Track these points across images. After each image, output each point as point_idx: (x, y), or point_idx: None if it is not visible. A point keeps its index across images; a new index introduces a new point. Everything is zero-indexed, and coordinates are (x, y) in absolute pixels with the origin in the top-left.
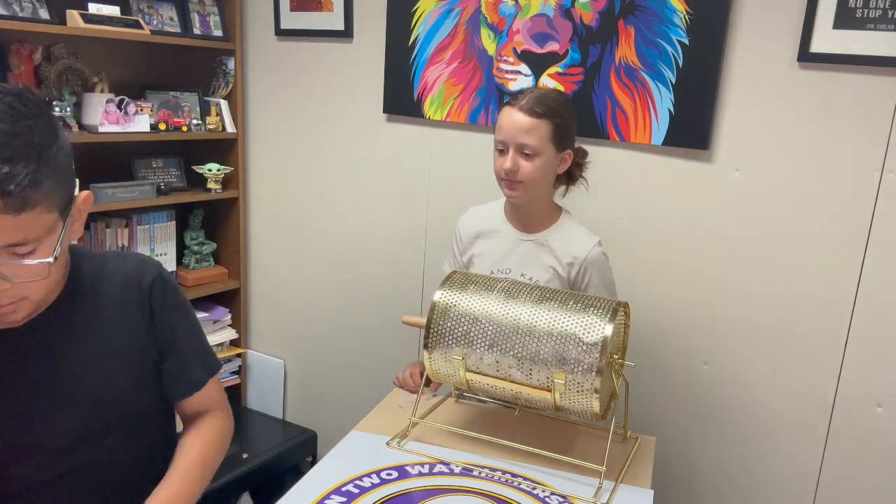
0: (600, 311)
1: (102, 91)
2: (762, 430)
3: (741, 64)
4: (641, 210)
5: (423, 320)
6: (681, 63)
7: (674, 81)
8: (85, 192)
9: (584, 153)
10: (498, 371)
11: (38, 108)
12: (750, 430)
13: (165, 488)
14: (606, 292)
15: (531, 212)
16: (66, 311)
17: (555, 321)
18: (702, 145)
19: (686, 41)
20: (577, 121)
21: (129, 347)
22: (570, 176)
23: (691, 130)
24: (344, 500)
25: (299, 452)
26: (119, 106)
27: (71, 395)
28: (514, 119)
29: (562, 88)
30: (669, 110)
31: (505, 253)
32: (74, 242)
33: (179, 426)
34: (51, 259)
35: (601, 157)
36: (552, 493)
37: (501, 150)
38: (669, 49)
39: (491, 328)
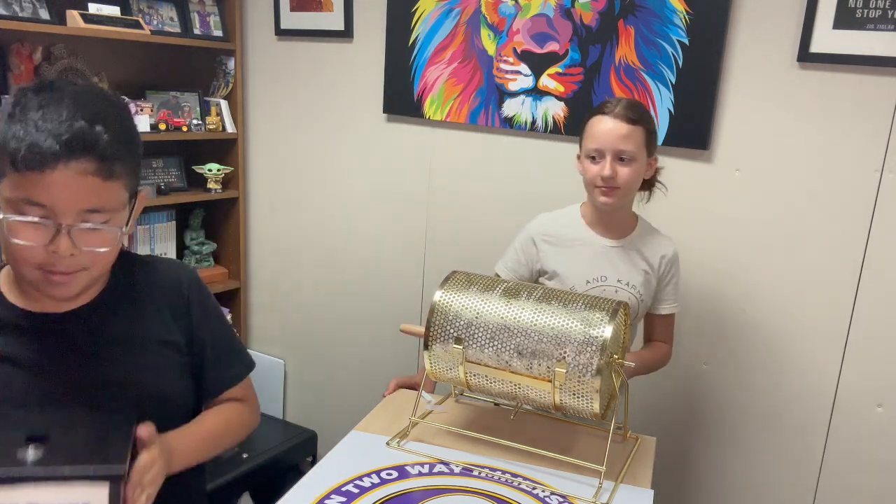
0: (601, 311)
1: None
2: (762, 430)
3: (741, 64)
4: (640, 210)
5: (421, 329)
6: (681, 63)
7: (674, 81)
8: (143, 190)
9: (657, 158)
10: (498, 362)
11: (127, 106)
12: (750, 430)
13: (183, 434)
14: (677, 294)
15: (618, 218)
16: (110, 305)
17: (556, 320)
18: (702, 145)
19: (686, 41)
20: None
21: (167, 345)
22: (649, 182)
23: (691, 130)
24: (344, 500)
25: (299, 452)
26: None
27: (109, 387)
28: (610, 126)
29: (562, 88)
30: (669, 110)
31: (597, 261)
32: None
33: None
34: (124, 228)
35: None
36: (552, 493)
37: (594, 158)
38: (669, 49)
39: (492, 323)
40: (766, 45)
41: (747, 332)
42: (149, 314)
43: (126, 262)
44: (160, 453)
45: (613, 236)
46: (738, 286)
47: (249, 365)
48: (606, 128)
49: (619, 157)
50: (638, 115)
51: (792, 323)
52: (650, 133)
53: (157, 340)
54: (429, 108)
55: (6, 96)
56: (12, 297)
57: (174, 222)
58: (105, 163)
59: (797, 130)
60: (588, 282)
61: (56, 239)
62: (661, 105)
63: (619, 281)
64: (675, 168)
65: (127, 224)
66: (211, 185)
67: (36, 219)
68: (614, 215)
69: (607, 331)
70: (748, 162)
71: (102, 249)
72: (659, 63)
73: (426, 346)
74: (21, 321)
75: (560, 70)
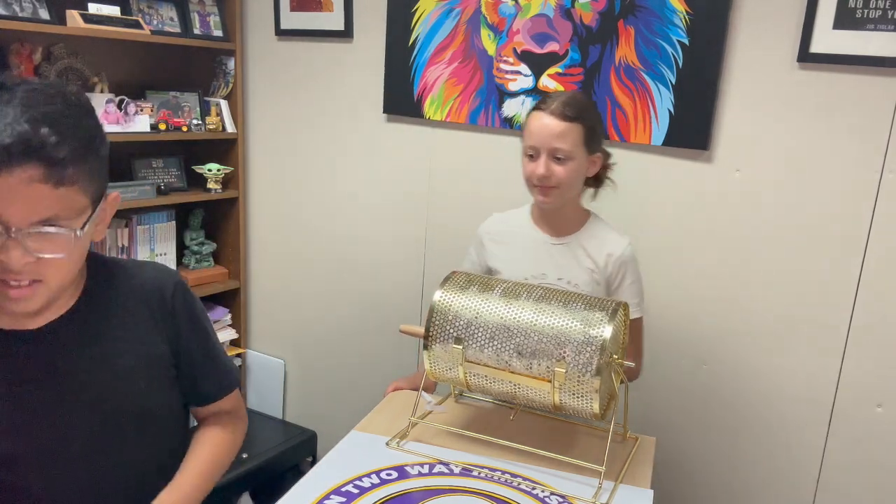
0: (600, 311)
1: (102, 91)
2: (762, 429)
3: (741, 64)
4: (640, 210)
5: (421, 329)
6: (681, 63)
7: (674, 82)
8: (114, 193)
9: (609, 155)
10: (497, 362)
11: (88, 105)
12: (750, 429)
13: (175, 487)
14: (639, 290)
15: (562, 215)
16: (86, 317)
17: (555, 320)
18: (702, 145)
19: (686, 41)
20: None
21: (150, 357)
22: (597, 178)
23: (691, 130)
24: (344, 500)
25: (299, 452)
26: (119, 106)
27: (89, 400)
28: (545, 124)
29: (562, 89)
30: (669, 110)
31: (538, 258)
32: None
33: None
34: (78, 231)
35: None
36: (552, 494)
37: (532, 156)
38: (669, 49)
39: (492, 323)
40: (767, 46)
41: (746, 332)
42: (129, 325)
43: (103, 269)
44: None
45: (558, 233)
46: (737, 286)
47: (237, 375)
48: (541, 125)
49: (555, 156)
50: (576, 112)
51: (791, 323)
52: (590, 130)
53: (138, 353)
54: (429, 109)
55: None
56: None
57: (174, 222)
58: (54, 168)
59: (797, 130)
60: (526, 279)
61: (5, 248)
62: (661, 105)
63: (559, 279)
64: (674, 169)
65: (83, 228)
66: (211, 184)
67: None
68: (559, 212)
69: (607, 331)
70: (748, 162)
71: (58, 256)
72: (659, 63)
73: (426, 347)
74: None
75: (560, 70)
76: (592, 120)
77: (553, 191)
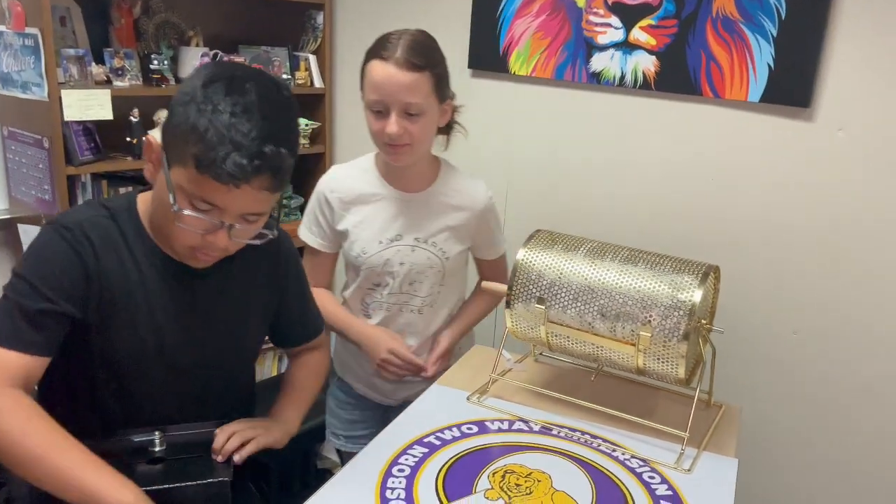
0: (690, 274)
1: (197, 45)
2: (853, 403)
3: (851, 15)
4: (733, 170)
5: (504, 287)
6: (783, 14)
7: (775, 34)
8: None
9: (454, 96)
10: (580, 324)
11: (296, 104)
12: (839, 402)
13: (287, 395)
14: (500, 237)
15: (416, 169)
16: (226, 268)
17: (642, 282)
18: (802, 103)
19: None
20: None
21: (262, 307)
22: (447, 125)
23: (791, 86)
24: (426, 450)
25: None
26: (214, 60)
27: (214, 343)
28: (390, 74)
29: (654, 42)
30: (769, 65)
31: (391, 217)
32: None
33: None
34: (276, 233)
35: (693, 115)
36: (632, 457)
37: (379, 111)
38: None
39: (575, 284)
40: None
41: (841, 302)
42: (254, 275)
43: None
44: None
45: (411, 188)
46: (834, 254)
47: (320, 326)
48: (387, 77)
49: (407, 112)
50: (423, 58)
51: (890, 296)
52: (440, 76)
53: (256, 302)
54: (514, 63)
55: (109, 49)
56: (154, 236)
57: None
58: (281, 179)
59: None
60: (380, 242)
61: (217, 232)
62: (760, 60)
63: (416, 239)
64: (771, 126)
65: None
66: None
67: (205, 217)
68: (410, 168)
69: (696, 295)
70: (853, 121)
71: (255, 242)
72: (759, 14)
73: (508, 305)
74: (160, 263)
75: (653, 22)
76: (440, 64)
77: (406, 148)
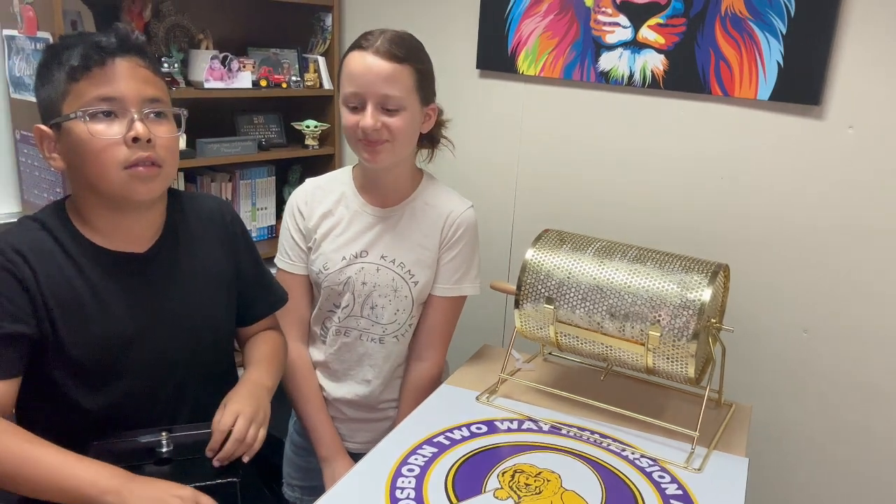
0: (699, 273)
1: (207, 48)
2: (864, 402)
3: (861, 11)
4: (743, 169)
5: (512, 287)
6: (793, 12)
7: (784, 32)
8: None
9: (441, 111)
10: (589, 324)
11: None
12: (849, 402)
13: (250, 374)
14: (468, 263)
15: (393, 180)
16: (173, 242)
17: (651, 282)
18: (812, 100)
19: None
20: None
21: (220, 276)
22: (431, 137)
23: (801, 84)
24: (435, 450)
25: None
26: (223, 62)
27: (173, 321)
28: (369, 65)
29: (662, 40)
30: (778, 63)
31: (359, 233)
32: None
33: None
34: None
35: (702, 113)
36: (642, 456)
37: (355, 107)
38: None
39: (584, 284)
40: None
41: (853, 301)
42: (204, 247)
43: (174, 198)
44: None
45: (387, 202)
46: (845, 253)
47: (283, 296)
48: (365, 66)
49: (385, 107)
50: (405, 51)
51: None
52: (424, 74)
53: (213, 272)
54: (522, 63)
55: None
56: (88, 235)
57: (274, 177)
58: (144, 53)
59: None
60: (344, 258)
61: (134, 128)
62: (770, 58)
63: (382, 258)
64: (780, 124)
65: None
66: (308, 141)
67: (110, 107)
68: (386, 177)
69: (706, 294)
70: (863, 118)
71: (172, 135)
72: (769, 12)
73: (517, 305)
74: (102, 258)
75: (661, 21)
76: (424, 62)
77: (384, 146)
